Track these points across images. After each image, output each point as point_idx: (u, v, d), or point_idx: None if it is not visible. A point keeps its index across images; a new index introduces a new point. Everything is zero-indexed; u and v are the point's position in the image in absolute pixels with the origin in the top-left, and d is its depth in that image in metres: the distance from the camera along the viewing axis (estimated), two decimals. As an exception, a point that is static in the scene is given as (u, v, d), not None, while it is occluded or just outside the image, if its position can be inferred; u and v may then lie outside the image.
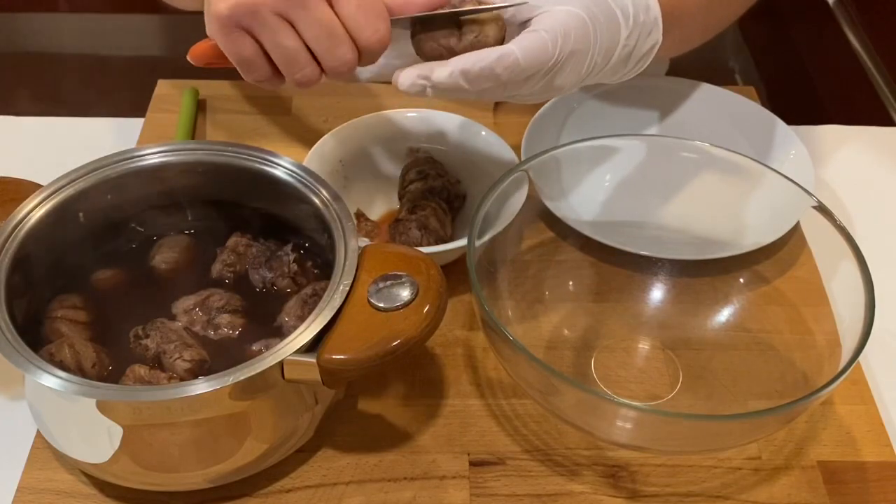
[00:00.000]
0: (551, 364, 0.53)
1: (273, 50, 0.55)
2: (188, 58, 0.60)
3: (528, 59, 0.54)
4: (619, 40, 0.59)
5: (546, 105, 0.80)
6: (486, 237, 0.61)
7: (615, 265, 0.68)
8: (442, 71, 0.54)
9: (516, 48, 0.54)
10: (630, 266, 0.68)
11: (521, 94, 0.58)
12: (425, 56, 0.56)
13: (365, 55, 0.56)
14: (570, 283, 0.69)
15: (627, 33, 0.59)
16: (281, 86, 0.58)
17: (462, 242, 0.62)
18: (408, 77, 0.55)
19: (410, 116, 0.75)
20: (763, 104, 0.83)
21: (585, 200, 0.71)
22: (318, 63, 0.56)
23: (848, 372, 0.51)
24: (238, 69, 0.57)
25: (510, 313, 0.65)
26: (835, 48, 1.47)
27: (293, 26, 0.54)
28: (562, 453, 0.59)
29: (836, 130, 0.87)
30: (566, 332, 0.66)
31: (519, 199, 0.65)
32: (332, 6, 0.54)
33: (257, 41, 0.55)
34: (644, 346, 0.66)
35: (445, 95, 0.56)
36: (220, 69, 0.60)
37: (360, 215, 0.72)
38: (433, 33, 0.55)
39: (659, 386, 0.63)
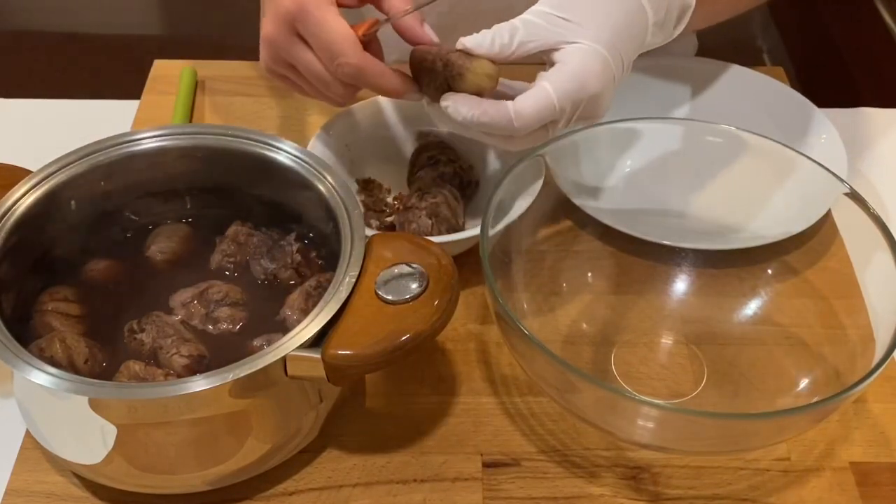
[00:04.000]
0: (569, 360, 0.53)
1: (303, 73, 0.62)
2: None
3: (528, 117, 0.55)
4: (646, 29, 0.59)
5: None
6: (501, 226, 0.61)
7: (636, 255, 0.68)
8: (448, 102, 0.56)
9: (512, 108, 0.55)
10: (652, 256, 0.68)
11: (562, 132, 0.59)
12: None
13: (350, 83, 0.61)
14: (589, 274, 0.69)
15: (653, 19, 0.59)
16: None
17: (475, 231, 0.61)
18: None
19: (420, 98, 0.75)
20: (792, 85, 0.83)
21: (605, 187, 0.71)
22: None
23: (882, 368, 0.50)
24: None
25: (525, 306, 0.65)
26: (868, 26, 1.46)
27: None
28: (580, 454, 0.59)
29: (870, 114, 0.86)
30: (585, 326, 0.66)
31: (535, 186, 0.64)
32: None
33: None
34: (667, 340, 0.66)
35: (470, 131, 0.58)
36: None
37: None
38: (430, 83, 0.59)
39: (682, 383, 0.63)
